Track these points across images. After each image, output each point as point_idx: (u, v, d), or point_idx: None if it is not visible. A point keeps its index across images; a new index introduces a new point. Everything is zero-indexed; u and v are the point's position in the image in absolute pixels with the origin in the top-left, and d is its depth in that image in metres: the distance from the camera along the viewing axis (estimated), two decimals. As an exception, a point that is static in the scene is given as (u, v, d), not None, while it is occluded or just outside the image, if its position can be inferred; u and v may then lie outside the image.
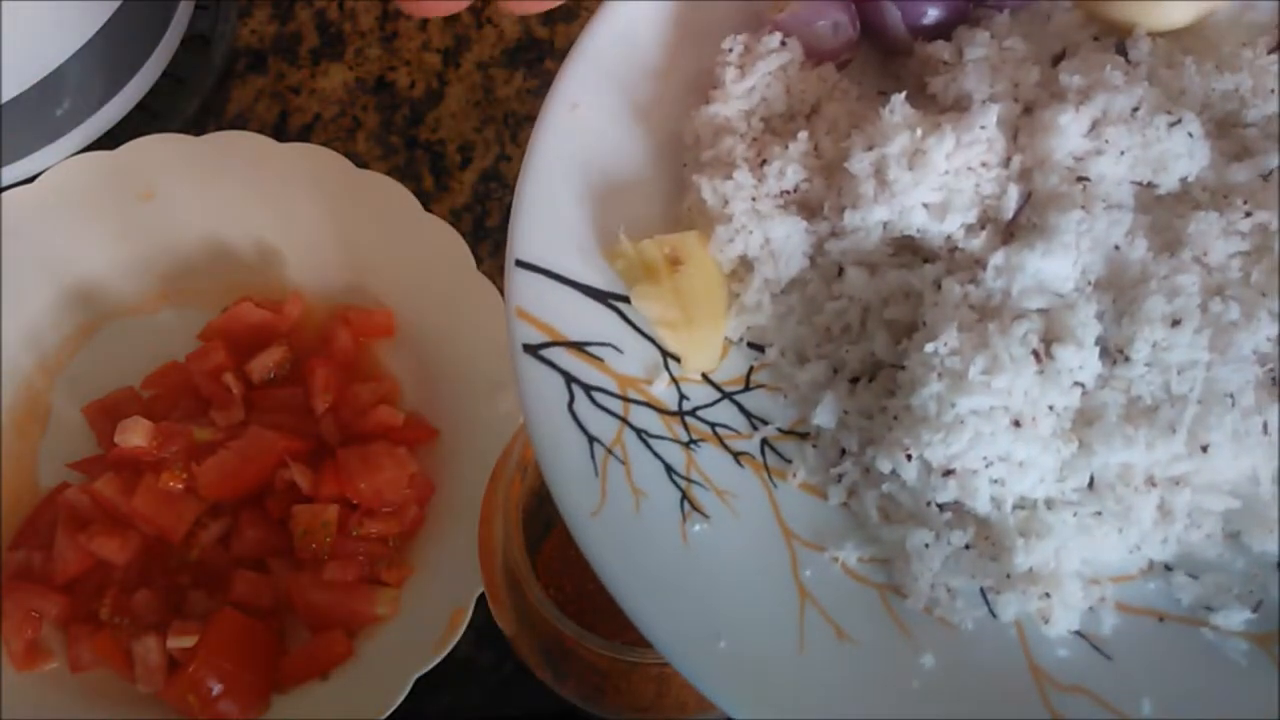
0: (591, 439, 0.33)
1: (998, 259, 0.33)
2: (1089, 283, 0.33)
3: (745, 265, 0.35)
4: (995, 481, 0.32)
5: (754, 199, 0.35)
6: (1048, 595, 0.32)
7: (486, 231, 0.64)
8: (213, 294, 0.60)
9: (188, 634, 0.51)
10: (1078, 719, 0.31)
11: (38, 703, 0.52)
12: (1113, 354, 0.32)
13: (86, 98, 0.61)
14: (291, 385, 0.57)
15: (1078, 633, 0.32)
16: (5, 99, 0.57)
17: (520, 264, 0.34)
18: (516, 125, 0.66)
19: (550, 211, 0.35)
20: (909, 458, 0.32)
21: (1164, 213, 0.34)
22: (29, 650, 0.52)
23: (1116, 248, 0.33)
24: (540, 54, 0.68)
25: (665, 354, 0.34)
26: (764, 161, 0.35)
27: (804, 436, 0.34)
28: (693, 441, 0.34)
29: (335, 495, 0.53)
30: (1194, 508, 0.32)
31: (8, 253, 0.58)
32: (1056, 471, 0.32)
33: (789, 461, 0.34)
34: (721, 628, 0.31)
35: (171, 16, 0.64)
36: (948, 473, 0.32)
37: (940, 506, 0.32)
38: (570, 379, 0.33)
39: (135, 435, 0.53)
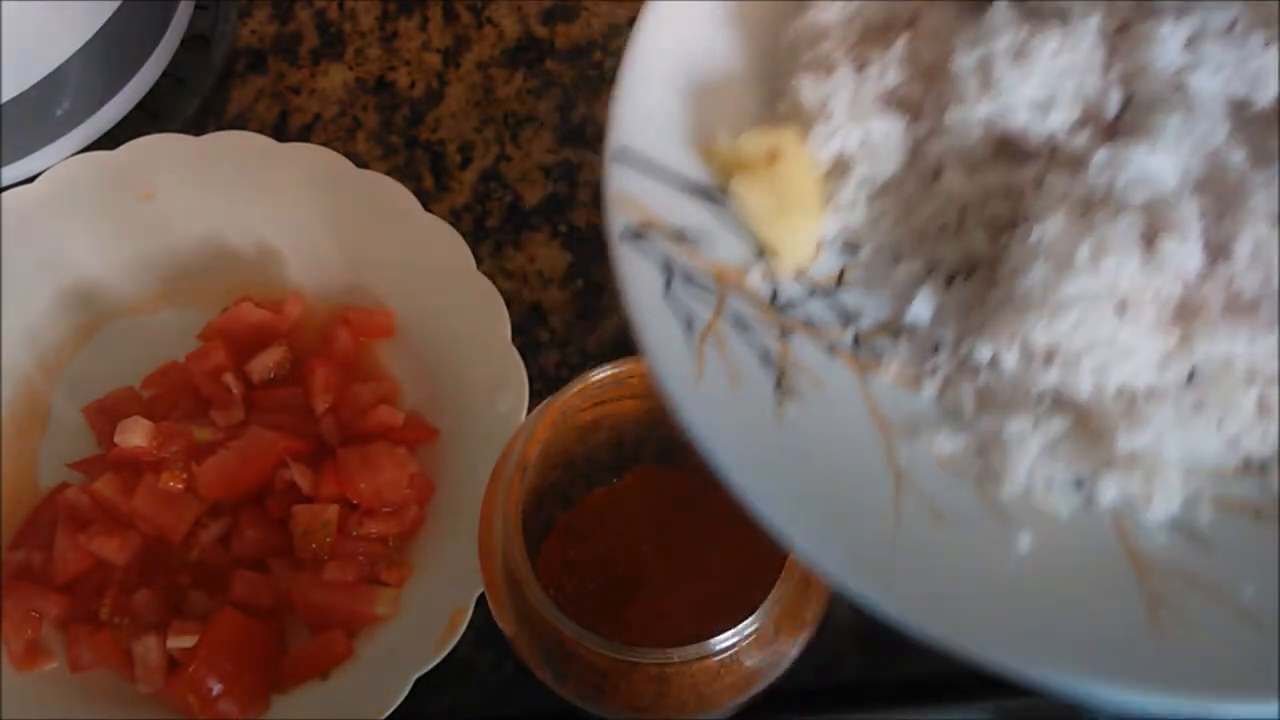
0: (688, 321, 0.33)
1: (1101, 156, 0.33)
2: (1191, 182, 0.33)
3: (842, 166, 0.36)
4: (1097, 369, 0.32)
5: (854, 98, 0.35)
6: (1149, 479, 0.32)
7: (486, 231, 0.64)
8: (213, 294, 0.60)
9: (188, 634, 0.51)
10: (1180, 603, 0.30)
11: (38, 703, 0.52)
12: (1214, 251, 0.33)
13: (86, 98, 0.61)
14: (291, 385, 0.57)
15: (1175, 523, 0.32)
16: (5, 99, 0.57)
17: (619, 152, 0.35)
18: (516, 125, 0.66)
19: (649, 105, 0.36)
20: (1011, 341, 0.32)
21: (1257, 131, 0.34)
22: (29, 650, 0.52)
23: (1216, 152, 0.33)
24: (540, 54, 0.68)
25: (760, 251, 0.35)
26: (863, 65, 0.36)
27: (897, 333, 0.35)
28: (786, 331, 0.34)
29: (335, 495, 0.53)
30: None
31: (8, 253, 0.58)
32: (1158, 361, 0.32)
33: (881, 356, 0.34)
34: (818, 501, 0.31)
35: (171, 16, 0.64)
36: (1050, 357, 0.32)
37: (1039, 394, 0.33)
38: (667, 263, 0.34)
39: (135, 435, 0.53)
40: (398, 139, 0.66)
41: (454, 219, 0.63)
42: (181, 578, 0.54)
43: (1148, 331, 0.32)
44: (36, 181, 0.59)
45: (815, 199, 0.35)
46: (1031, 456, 0.33)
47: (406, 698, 0.50)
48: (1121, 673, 0.29)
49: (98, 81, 0.61)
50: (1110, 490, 0.32)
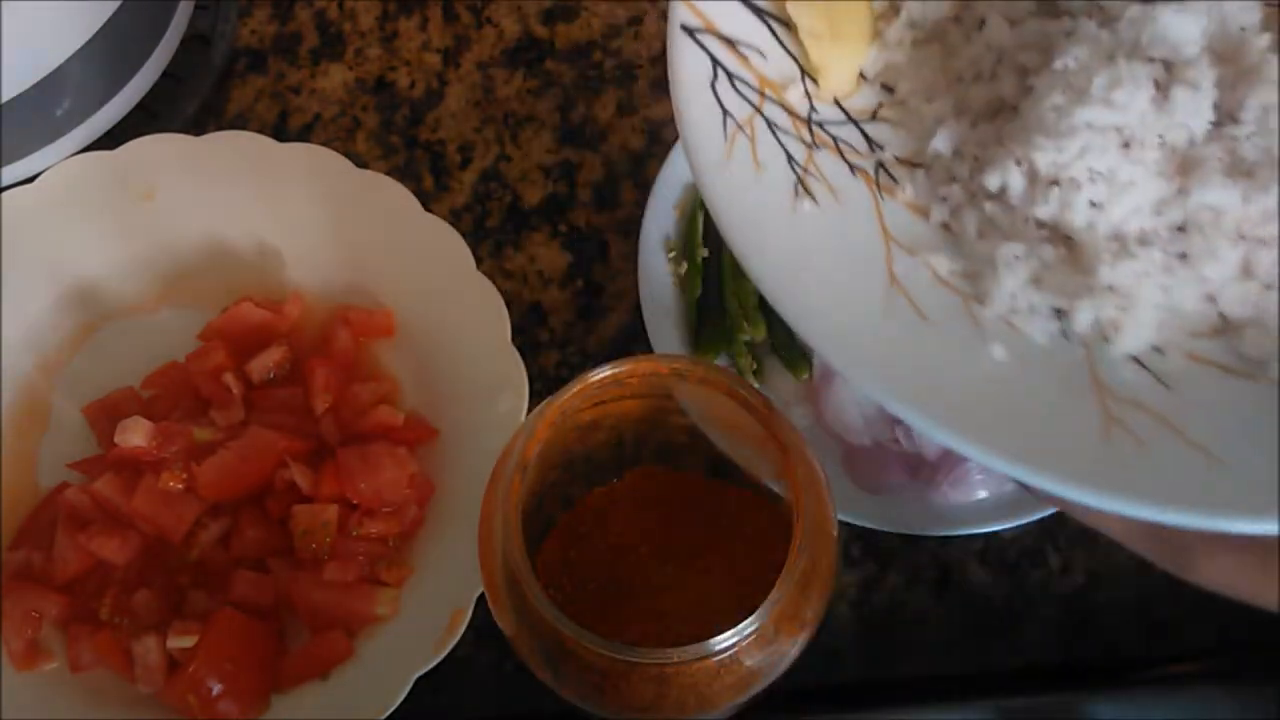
0: (726, 113, 0.37)
1: (1133, 11, 0.35)
2: (1213, 53, 0.35)
3: (894, 8, 0.39)
4: (1095, 205, 0.34)
5: None
6: (1123, 310, 0.34)
7: (486, 231, 0.64)
8: (213, 294, 0.60)
9: (188, 634, 0.51)
10: (1133, 426, 0.33)
11: (38, 703, 0.52)
12: (1222, 116, 0.35)
13: (86, 98, 0.61)
14: (291, 385, 0.57)
15: (1143, 366, 0.34)
16: (5, 99, 0.57)
17: None
18: (516, 125, 0.66)
19: None
20: (1018, 163, 0.35)
21: None
22: (29, 650, 0.52)
23: (1243, 29, 0.35)
24: (540, 54, 0.68)
25: (804, 74, 0.38)
26: None
27: (917, 166, 0.38)
28: (814, 145, 0.37)
29: (335, 495, 0.53)
30: (1275, 273, 0.35)
31: (8, 253, 0.58)
32: (1153, 205, 0.34)
33: (899, 183, 0.37)
34: (812, 279, 0.35)
35: (171, 16, 0.64)
36: (1053, 183, 0.34)
37: (1037, 223, 0.35)
38: (717, 63, 0.37)
39: (135, 435, 0.53)
40: (398, 139, 0.66)
41: (454, 219, 0.63)
42: (181, 578, 0.54)
43: (1148, 173, 0.34)
44: (36, 181, 0.59)
45: (865, 30, 0.38)
46: (1019, 281, 0.35)
47: (406, 698, 0.50)
48: (1064, 470, 0.32)
49: (98, 81, 0.61)
50: (1085, 316, 0.35)
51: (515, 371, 0.55)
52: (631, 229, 0.62)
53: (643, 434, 0.47)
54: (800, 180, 0.36)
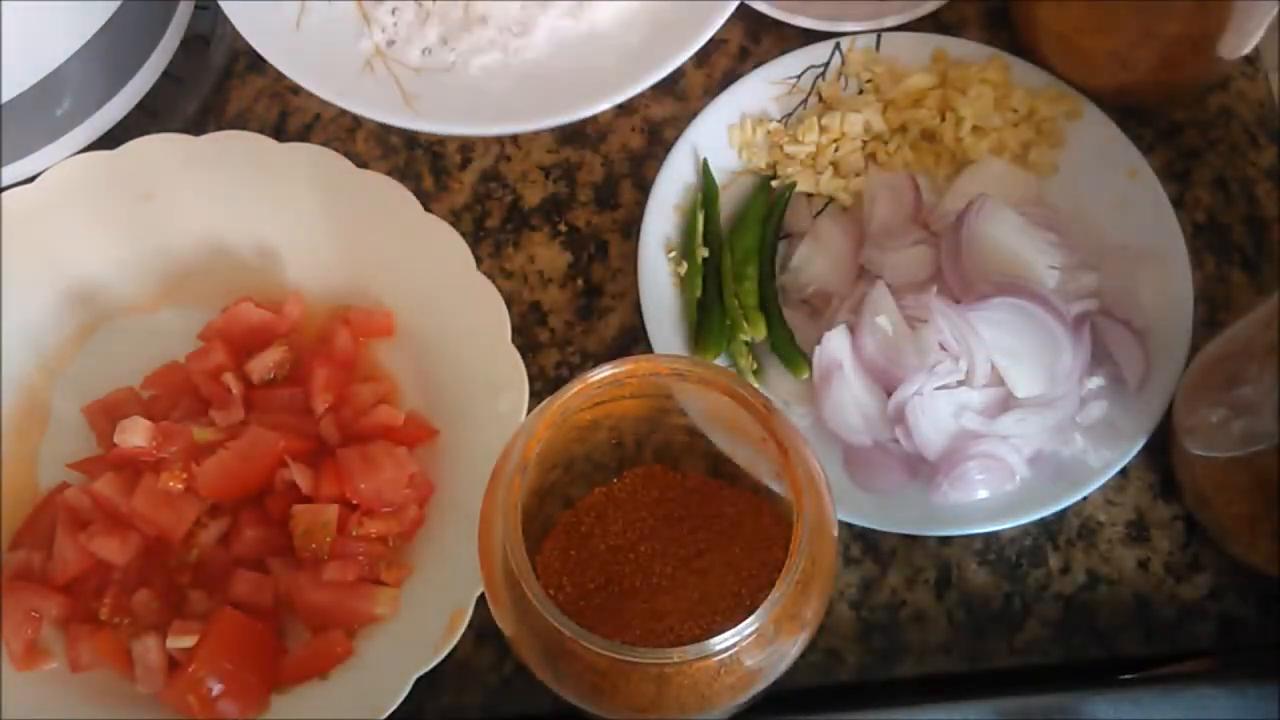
0: None
1: None
2: None
3: None
4: None
5: None
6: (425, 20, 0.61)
7: (486, 231, 0.64)
8: (213, 294, 0.60)
9: (188, 634, 0.51)
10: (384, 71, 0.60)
11: (38, 703, 0.52)
12: None
13: (86, 98, 0.61)
14: (291, 385, 0.57)
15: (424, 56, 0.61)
16: (5, 99, 0.57)
17: None
18: (516, 125, 0.66)
19: None
20: None
21: None
22: (29, 650, 0.52)
23: None
24: (540, 54, 0.68)
25: None
26: None
27: None
28: None
29: (335, 495, 0.53)
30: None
31: (8, 253, 0.58)
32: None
33: None
34: None
35: (171, 16, 0.64)
36: None
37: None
38: None
39: (135, 435, 0.53)
40: (398, 139, 0.66)
41: (454, 219, 0.63)
42: (181, 578, 0.54)
43: None
44: (36, 181, 0.59)
45: None
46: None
47: (406, 698, 0.50)
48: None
49: (98, 81, 0.61)
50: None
51: (515, 371, 0.55)
52: (631, 229, 0.62)
53: (643, 434, 0.47)
54: None
